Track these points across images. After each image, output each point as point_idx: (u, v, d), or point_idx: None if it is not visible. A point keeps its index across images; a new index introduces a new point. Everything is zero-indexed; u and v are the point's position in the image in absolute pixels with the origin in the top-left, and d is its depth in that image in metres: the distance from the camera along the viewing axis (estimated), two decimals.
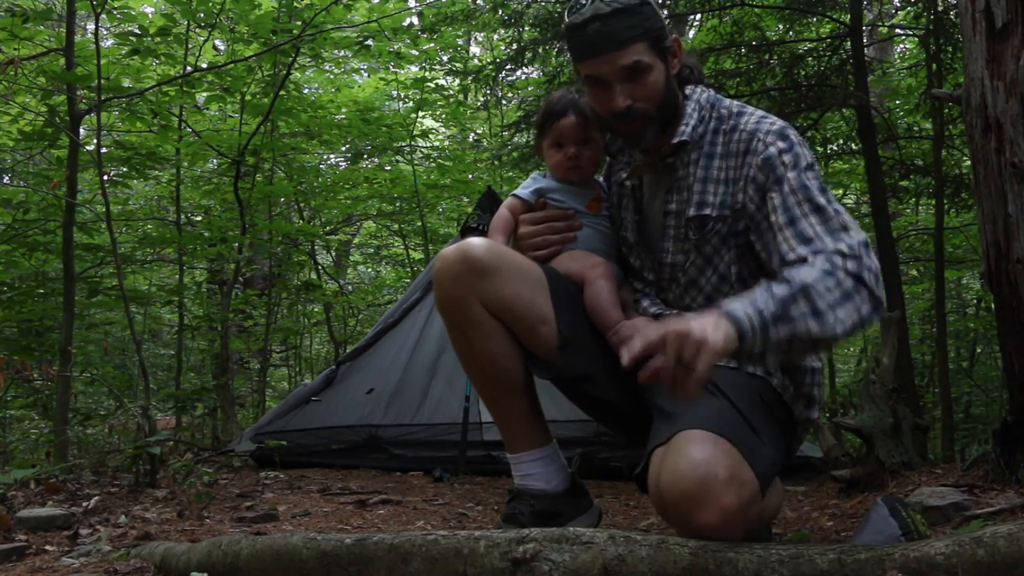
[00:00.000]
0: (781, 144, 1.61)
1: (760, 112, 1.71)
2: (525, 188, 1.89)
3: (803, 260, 1.48)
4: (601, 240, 1.86)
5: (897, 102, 6.31)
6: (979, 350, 6.69)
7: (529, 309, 1.68)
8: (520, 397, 1.76)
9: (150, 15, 4.77)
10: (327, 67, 7.14)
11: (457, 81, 7.34)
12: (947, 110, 4.56)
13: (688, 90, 1.76)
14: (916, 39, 5.64)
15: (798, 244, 1.51)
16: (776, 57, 4.75)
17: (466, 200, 7.60)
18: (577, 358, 1.70)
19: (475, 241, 1.69)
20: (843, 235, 1.49)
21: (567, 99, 1.86)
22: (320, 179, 7.21)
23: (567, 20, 1.68)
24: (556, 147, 1.86)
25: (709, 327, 1.28)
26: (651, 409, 1.63)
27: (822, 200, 1.54)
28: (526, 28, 5.23)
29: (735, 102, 1.75)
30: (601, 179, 1.95)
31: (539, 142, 1.92)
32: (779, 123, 1.66)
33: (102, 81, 3.72)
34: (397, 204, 7.75)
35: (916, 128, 5.53)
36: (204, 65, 5.06)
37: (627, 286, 1.83)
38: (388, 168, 7.74)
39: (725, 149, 1.68)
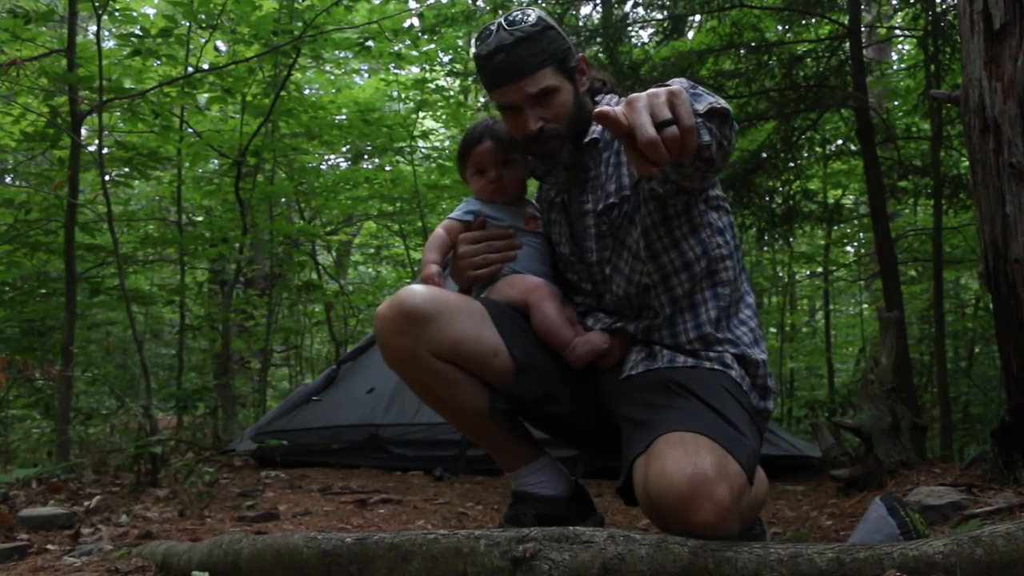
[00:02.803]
0: None
1: None
2: (460, 210, 1.87)
3: None
4: (539, 258, 1.85)
5: (896, 103, 6.32)
6: (977, 350, 6.70)
7: (478, 345, 1.67)
8: (497, 423, 1.75)
9: (152, 16, 4.77)
10: (328, 68, 7.15)
11: (457, 82, 7.33)
12: (945, 111, 4.57)
13: (598, 98, 1.78)
14: (914, 40, 5.65)
15: None
16: (775, 58, 4.76)
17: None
18: (536, 379, 1.69)
19: (409, 291, 1.66)
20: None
21: (483, 126, 1.87)
22: (321, 179, 7.22)
23: (475, 50, 1.70)
24: (478, 173, 1.86)
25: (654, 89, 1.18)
26: (618, 421, 1.62)
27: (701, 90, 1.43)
28: None
29: None
30: (534, 201, 1.94)
31: (462, 172, 1.92)
32: None
33: (104, 82, 3.72)
34: (397, 204, 7.75)
35: (914, 129, 5.54)
36: (205, 66, 5.06)
37: (568, 303, 1.83)
38: (388, 168, 7.75)
39: None
